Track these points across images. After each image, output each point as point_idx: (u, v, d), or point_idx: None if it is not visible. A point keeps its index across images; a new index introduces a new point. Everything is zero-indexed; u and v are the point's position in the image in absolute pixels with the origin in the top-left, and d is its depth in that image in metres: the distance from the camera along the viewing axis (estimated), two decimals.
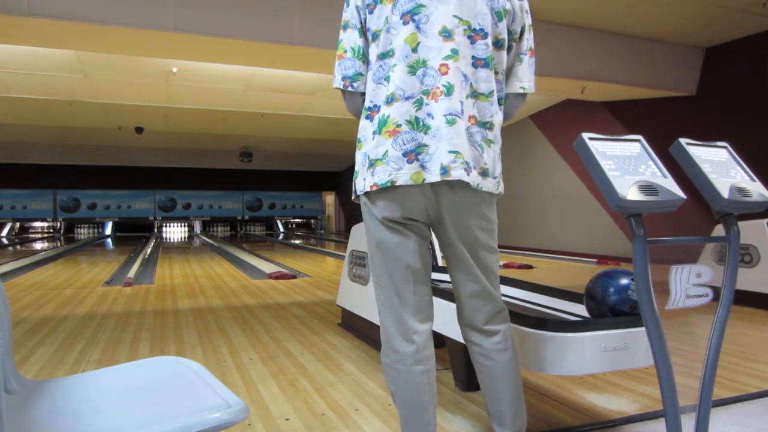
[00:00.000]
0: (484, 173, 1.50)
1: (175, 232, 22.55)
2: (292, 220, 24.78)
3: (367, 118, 1.55)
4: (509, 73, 1.63)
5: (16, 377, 1.32)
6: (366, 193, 1.56)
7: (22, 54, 6.36)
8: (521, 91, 1.63)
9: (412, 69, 1.47)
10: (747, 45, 6.79)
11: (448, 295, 2.20)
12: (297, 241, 16.87)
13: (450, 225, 1.53)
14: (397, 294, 1.54)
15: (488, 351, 1.59)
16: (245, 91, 8.18)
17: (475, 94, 1.50)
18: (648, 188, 1.39)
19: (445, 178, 1.44)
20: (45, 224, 21.32)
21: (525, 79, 1.63)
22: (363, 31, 1.55)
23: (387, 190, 1.50)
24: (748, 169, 1.55)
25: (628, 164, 1.46)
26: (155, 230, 22.04)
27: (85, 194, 21.41)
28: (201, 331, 3.77)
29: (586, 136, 1.53)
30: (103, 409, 1.25)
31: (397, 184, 1.46)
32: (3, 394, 1.00)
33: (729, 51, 7.02)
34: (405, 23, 1.48)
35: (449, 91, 1.46)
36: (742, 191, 1.46)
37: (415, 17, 1.47)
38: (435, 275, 3.08)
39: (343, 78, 1.57)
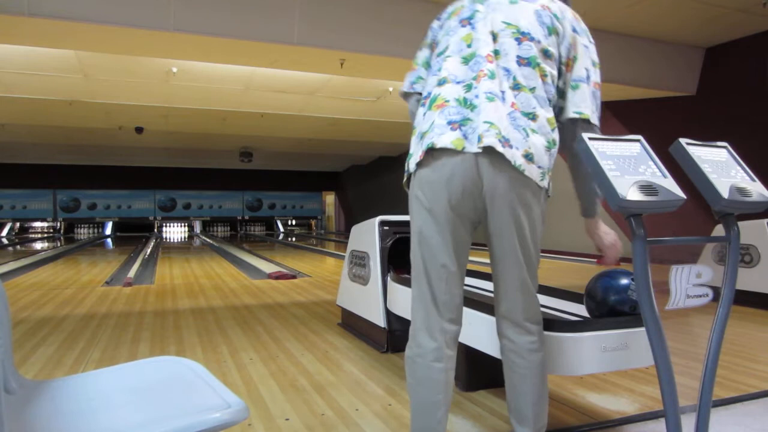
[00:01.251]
0: (528, 157, 1.49)
1: (175, 232, 22.56)
2: (292, 221, 24.78)
3: (421, 105, 1.66)
4: (564, 98, 1.63)
5: (16, 377, 1.32)
6: (415, 173, 1.60)
7: (22, 54, 6.36)
8: (575, 115, 1.60)
9: (466, 60, 1.60)
10: (747, 45, 6.79)
11: None
12: (297, 241, 16.87)
13: (496, 209, 1.52)
14: (430, 290, 1.57)
15: (521, 349, 1.59)
16: (245, 91, 8.18)
17: (517, 87, 1.55)
18: (648, 188, 1.39)
19: (480, 146, 1.47)
20: (45, 224, 21.32)
21: (582, 105, 1.60)
22: (432, 45, 1.77)
23: (431, 164, 1.54)
24: (748, 169, 1.55)
25: (628, 164, 1.46)
26: (155, 230, 22.05)
27: (85, 194, 21.42)
28: (201, 331, 3.77)
29: (586, 136, 1.53)
30: (103, 409, 1.25)
31: (438, 146, 1.51)
32: (3, 394, 1.00)
33: (729, 51, 7.02)
34: (463, 26, 1.65)
35: (492, 75, 1.55)
36: (742, 191, 1.46)
37: (471, 21, 1.64)
38: None
39: (410, 83, 1.77)
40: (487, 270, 3.05)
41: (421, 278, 1.59)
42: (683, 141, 1.55)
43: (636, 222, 1.41)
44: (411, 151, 1.64)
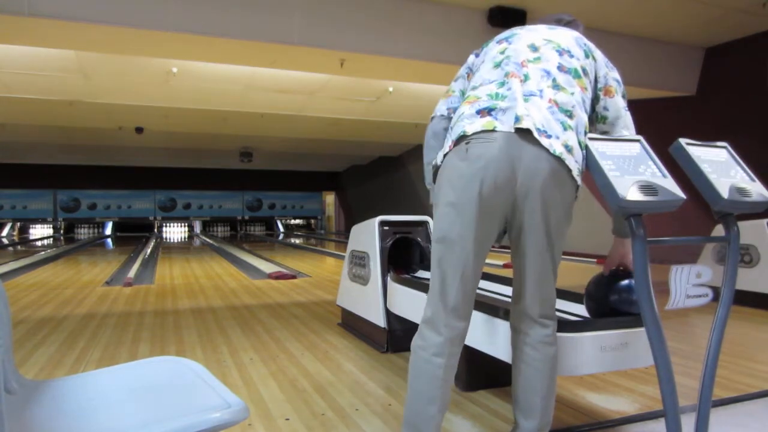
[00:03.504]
0: (567, 148, 1.49)
1: (175, 232, 22.56)
2: (292, 221, 24.77)
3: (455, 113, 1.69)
4: (604, 123, 1.70)
5: (16, 377, 1.32)
6: (443, 166, 1.59)
7: (22, 54, 6.35)
8: (626, 134, 1.68)
9: (497, 64, 1.65)
10: (747, 45, 6.78)
11: None
12: (297, 241, 16.87)
13: (529, 201, 1.49)
14: (443, 287, 1.55)
15: (536, 342, 1.60)
16: (245, 91, 8.17)
17: (557, 87, 1.56)
18: (648, 188, 1.40)
19: (517, 126, 1.47)
20: (45, 224, 21.32)
21: (632, 130, 1.70)
22: (468, 75, 1.81)
23: (462, 155, 1.52)
24: (747, 169, 1.56)
25: (628, 164, 1.46)
26: (155, 230, 22.04)
27: (85, 194, 21.41)
28: (201, 331, 3.76)
29: (586, 136, 1.53)
30: (103, 409, 1.25)
31: (469, 133, 1.52)
32: (3, 394, 1.00)
33: (729, 51, 7.02)
34: (499, 44, 1.72)
35: (527, 78, 1.57)
36: (741, 191, 1.46)
37: (509, 39, 1.71)
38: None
39: (448, 108, 1.79)
40: (489, 270, 3.05)
41: (437, 273, 1.57)
42: (683, 141, 1.55)
43: (636, 222, 1.41)
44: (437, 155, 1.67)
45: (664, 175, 1.45)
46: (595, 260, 8.28)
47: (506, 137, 1.48)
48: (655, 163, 1.49)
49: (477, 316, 2.08)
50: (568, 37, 1.69)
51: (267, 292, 5.63)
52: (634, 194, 1.37)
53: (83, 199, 21.47)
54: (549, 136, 1.47)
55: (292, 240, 17.82)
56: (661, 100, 7.68)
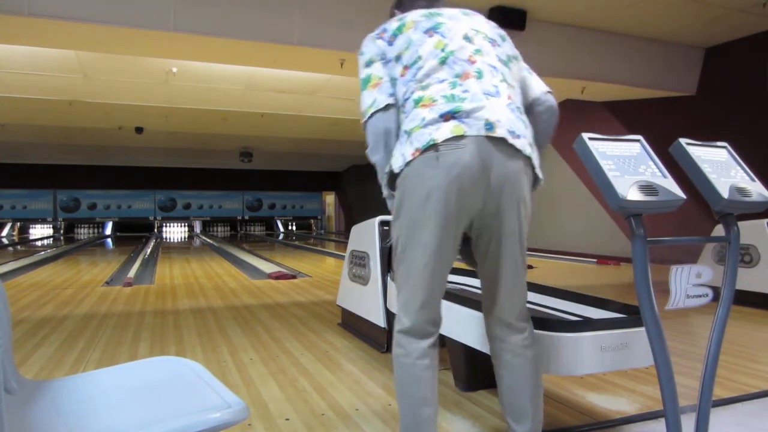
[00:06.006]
0: (531, 145, 1.54)
1: (175, 232, 22.56)
2: (292, 221, 24.76)
3: (404, 114, 1.56)
4: (526, 84, 1.71)
5: (16, 377, 1.32)
6: (406, 174, 1.49)
7: (22, 54, 6.36)
8: (548, 88, 1.72)
9: (443, 60, 1.55)
10: (747, 45, 6.78)
11: (449, 294, 2.20)
12: (297, 241, 16.87)
13: (504, 203, 1.49)
14: (418, 295, 1.54)
15: (516, 347, 1.60)
16: (245, 91, 8.18)
17: (505, 82, 1.57)
18: (648, 188, 1.40)
19: (491, 134, 1.45)
20: (45, 224, 21.32)
21: (543, 85, 1.73)
22: (385, 61, 1.65)
23: (431, 163, 1.45)
24: (747, 169, 1.56)
25: (628, 164, 1.46)
26: (155, 230, 22.04)
27: (85, 194, 21.41)
28: (201, 331, 3.76)
29: (585, 136, 1.53)
30: (103, 409, 1.25)
31: (439, 140, 1.44)
32: (3, 394, 1.00)
33: (729, 51, 7.02)
34: (430, 36, 1.59)
35: (480, 75, 1.54)
36: (741, 191, 1.46)
37: (438, 30, 1.60)
38: None
39: (388, 94, 1.60)
40: None
41: (410, 283, 1.55)
42: (683, 141, 1.55)
43: (636, 222, 1.41)
44: (393, 154, 1.56)
45: (664, 175, 1.45)
46: (595, 260, 8.29)
47: (477, 142, 1.45)
48: (655, 163, 1.49)
49: (477, 316, 2.08)
50: (483, 23, 1.66)
51: (267, 292, 5.63)
52: (634, 194, 1.37)
53: (83, 199, 21.47)
54: (518, 137, 1.49)
55: (292, 240, 17.82)
56: (661, 100, 7.68)
